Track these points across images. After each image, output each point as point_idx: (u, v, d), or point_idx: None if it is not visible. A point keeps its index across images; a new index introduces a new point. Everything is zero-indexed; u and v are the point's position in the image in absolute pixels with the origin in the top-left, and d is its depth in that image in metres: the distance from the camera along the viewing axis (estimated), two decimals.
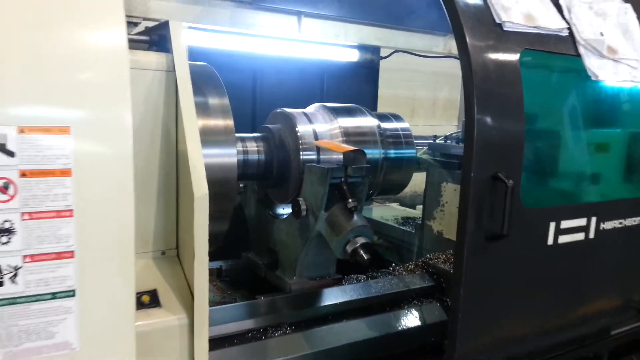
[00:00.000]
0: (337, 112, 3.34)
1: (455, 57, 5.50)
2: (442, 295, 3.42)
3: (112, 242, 1.64)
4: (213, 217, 2.66)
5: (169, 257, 2.57)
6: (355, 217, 2.87)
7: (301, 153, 3.10)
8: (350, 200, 2.86)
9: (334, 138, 3.24)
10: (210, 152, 2.58)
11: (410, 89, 9.25)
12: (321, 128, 3.25)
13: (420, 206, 4.77)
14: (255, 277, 3.50)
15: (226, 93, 2.69)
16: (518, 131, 2.11)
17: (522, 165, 2.14)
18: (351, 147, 3.01)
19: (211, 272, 3.64)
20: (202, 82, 2.66)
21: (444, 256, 3.53)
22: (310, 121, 3.26)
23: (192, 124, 2.28)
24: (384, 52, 5.28)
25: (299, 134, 3.13)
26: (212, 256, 3.46)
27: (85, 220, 1.57)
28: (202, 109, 2.59)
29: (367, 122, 3.42)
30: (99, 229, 1.61)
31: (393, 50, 5.23)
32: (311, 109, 3.45)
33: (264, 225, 3.45)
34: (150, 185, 2.46)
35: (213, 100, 2.64)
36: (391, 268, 3.54)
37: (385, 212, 4.63)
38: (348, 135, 3.25)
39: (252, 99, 4.80)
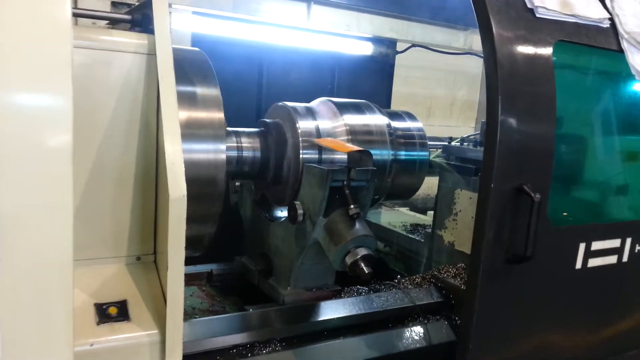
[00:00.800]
0: (343, 108, 3.05)
1: (476, 54, 5.18)
2: (450, 312, 3.12)
3: (44, 255, 1.36)
4: (197, 219, 2.41)
5: (144, 264, 2.31)
6: (357, 225, 2.58)
7: (301, 151, 2.80)
8: (352, 206, 2.57)
9: (338, 136, 2.94)
10: (195, 148, 2.31)
11: (427, 87, 8.87)
12: (325, 125, 2.96)
13: (432, 212, 4.48)
14: (248, 284, 3.22)
15: (217, 83, 2.41)
16: (548, 137, 1.79)
17: (550, 177, 1.83)
18: (356, 147, 2.71)
19: (201, 276, 3.39)
20: (190, 69, 2.38)
21: (455, 270, 3.22)
22: (313, 117, 2.97)
23: (172, 115, 2.00)
24: (400, 47, 4.97)
25: (299, 130, 2.84)
26: (203, 259, 3.24)
27: (6, 229, 1.28)
28: (189, 99, 2.32)
29: (375, 120, 3.11)
30: (25, 239, 1.32)
31: (410, 44, 4.91)
32: (315, 103, 3.15)
33: (259, 228, 3.17)
34: (126, 182, 2.20)
35: (202, 90, 2.37)
36: (396, 280, 3.24)
37: (394, 217, 4.33)
38: (354, 133, 2.95)
39: (258, 91, 4.52)
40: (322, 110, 3.05)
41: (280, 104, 3.05)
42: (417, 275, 3.29)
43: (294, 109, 2.95)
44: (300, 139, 2.83)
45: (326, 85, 4.95)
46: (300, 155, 2.80)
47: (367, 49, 4.81)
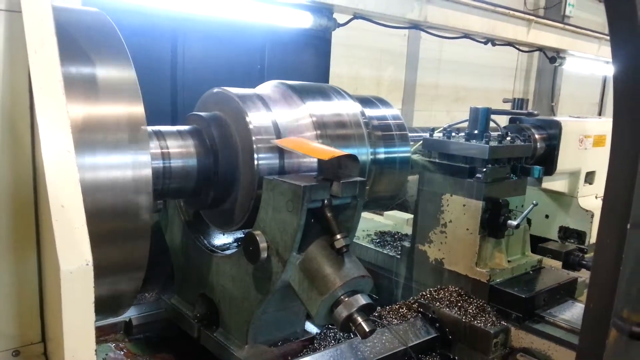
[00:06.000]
0: (305, 93, 2.26)
1: (422, 29, 4.52)
2: (447, 350, 2.49)
3: None
4: (112, 271, 1.57)
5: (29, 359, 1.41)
6: (347, 262, 1.83)
7: (256, 157, 1.99)
8: (338, 235, 1.82)
9: (303, 132, 2.15)
10: (102, 162, 1.44)
11: (352, 66, 8.29)
12: (284, 117, 2.16)
13: (392, 213, 3.83)
14: (183, 335, 2.38)
15: (130, 59, 1.54)
16: None
17: None
18: (334, 150, 1.95)
19: (116, 327, 2.49)
20: (87, 39, 1.49)
21: (448, 295, 2.57)
22: (267, 107, 2.15)
23: (56, 112, 1.13)
24: (341, 20, 4.21)
25: (251, 126, 2.02)
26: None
27: None
28: (86, 86, 1.43)
29: (347, 107, 2.35)
30: None
31: (352, 16, 4.17)
32: (266, 88, 2.33)
33: (195, 260, 2.33)
34: None
35: (107, 72, 1.48)
36: (376, 313, 2.54)
37: None
38: (324, 127, 2.18)
39: (172, 74, 3.56)
40: (277, 98, 2.24)
41: (217, 90, 2.21)
42: (401, 304, 2.62)
43: (240, 96, 2.12)
44: (254, 138, 2.01)
45: (255, 65, 4.11)
46: (255, 162, 1.99)
47: (305, 21, 3.99)
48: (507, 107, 4.06)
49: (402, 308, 2.61)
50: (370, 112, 2.51)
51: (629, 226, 1.04)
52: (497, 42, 5.12)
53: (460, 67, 9.52)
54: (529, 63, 11.26)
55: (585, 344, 1.16)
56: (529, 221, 4.14)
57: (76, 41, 1.43)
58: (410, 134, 2.77)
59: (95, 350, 1.11)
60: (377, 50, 8.46)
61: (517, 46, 5.49)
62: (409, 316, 2.56)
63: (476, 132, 2.62)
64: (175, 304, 2.45)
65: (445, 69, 9.52)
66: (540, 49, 5.79)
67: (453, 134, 2.69)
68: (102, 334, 2.43)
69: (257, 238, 1.87)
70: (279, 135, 2.09)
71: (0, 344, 1.36)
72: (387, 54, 8.69)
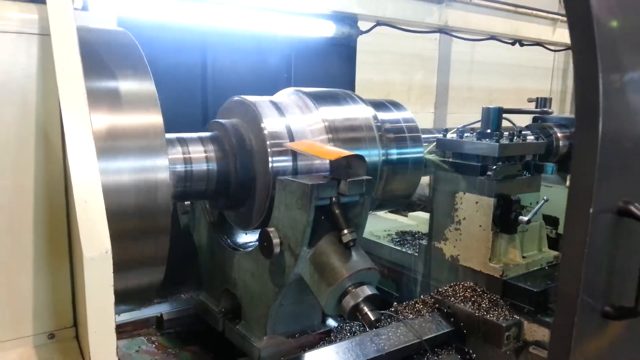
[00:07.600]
0: (318, 100, 2.39)
1: (447, 33, 4.60)
2: (462, 344, 2.56)
3: None
4: (135, 265, 1.73)
5: (62, 342, 1.60)
6: (354, 255, 1.95)
7: (270, 159, 2.14)
8: (345, 230, 1.94)
9: (315, 136, 2.29)
10: (123, 166, 1.60)
11: (382, 72, 8.37)
12: (298, 122, 2.30)
13: (416, 214, 3.92)
14: (210, 329, 2.54)
15: (150, 73, 1.71)
16: None
17: None
18: (341, 151, 2.08)
19: (148, 322, 2.67)
20: (110, 55, 1.67)
21: (463, 291, 2.65)
22: (281, 113, 2.30)
23: (80, 122, 1.30)
24: (363, 27, 4.34)
25: (265, 132, 2.17)
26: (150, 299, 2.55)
27: None
28: (110, 99, 1.60)
29: (360, 112, 2.48)
30: None
31: (374, 23, 4.28)
32: (282, 96, 2.48)
33: (219, 258, 2.48)
34: (22, 230, 1.47)
35: (128, 85, 1.66)
36: (393, 309, 2.64)
37: (372, 223, 3.71)
38: (336, 131, 2.31)
39: (202, 85, 3.77)
40: (291, 104, 2.38)
41: (236, 98, 2.37)
42: (417, 300, 2.71)
43: (256, 104, 2.27)
44: (268, 142, 2.15)
45: (282, 74, 4.27)
46: (270, 165, 2.14)
47: (328, 30, 4.13)
48: (532, 106, 4.09)
49: (418, 304, 2.70)
50: (383, 115, 2.62)
51: (591, 211, 1.13)
52: (524, 43, 5.13)
53: (493, 69, 9.45)
54: (566, 62, 11.06)
55: (558, 322, 1.24)
56: (556, 220, 4.13)
57: (100, 58, 1.61)
58: (426, 135, 2.87)
59: (115, 329, 1.26)
60: (407, 55, 8.51)
61: (547, 46, 5.47)
62: (424, 311, 2.65)
63: (488, 131, 2.69)
64: (203, 300, 2.61)
65: (478, 70, 9.46)
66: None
67: (466, 134, 2.77)
68: (136, 328, 2.62)
69: (271, 234, 2.01)
70: (292, 139, 2.23)
71: (38, 326, 1.54)
72: (417, 58, 8.73)
